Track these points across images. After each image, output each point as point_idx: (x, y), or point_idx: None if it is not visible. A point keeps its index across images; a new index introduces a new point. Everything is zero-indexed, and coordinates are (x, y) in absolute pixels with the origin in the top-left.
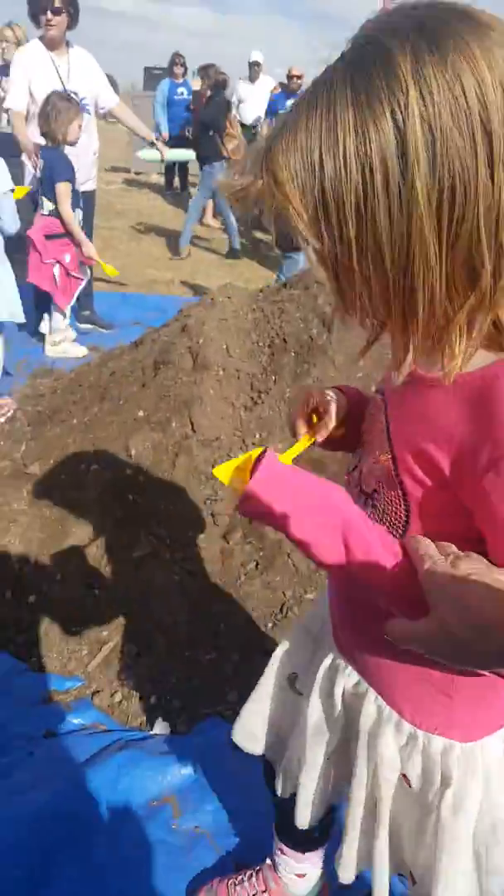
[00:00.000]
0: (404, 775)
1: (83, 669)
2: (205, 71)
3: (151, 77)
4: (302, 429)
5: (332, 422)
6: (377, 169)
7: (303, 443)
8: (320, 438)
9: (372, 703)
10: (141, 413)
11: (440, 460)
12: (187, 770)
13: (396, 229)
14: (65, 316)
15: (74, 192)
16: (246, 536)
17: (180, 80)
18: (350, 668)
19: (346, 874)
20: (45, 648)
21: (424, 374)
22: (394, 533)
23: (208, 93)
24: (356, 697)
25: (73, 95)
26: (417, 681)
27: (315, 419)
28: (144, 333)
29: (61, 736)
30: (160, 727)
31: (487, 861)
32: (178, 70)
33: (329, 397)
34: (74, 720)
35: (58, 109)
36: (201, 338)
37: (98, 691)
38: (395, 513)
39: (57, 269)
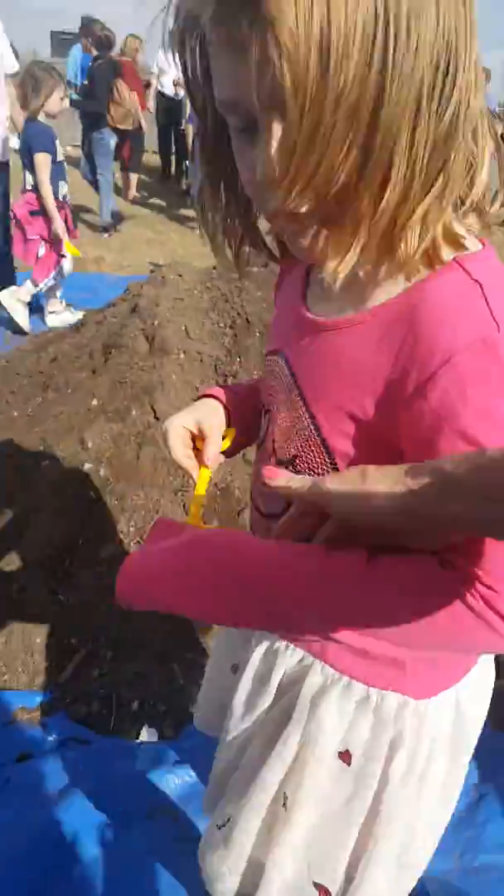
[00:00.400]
0: (342, 753)
1: (54, 682)
2: (87, 29)
3: (60, 43)
4: (192, 465)
5: (217, 444)
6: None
7: (203, 480)
8: (214, 465)
9: (318, 674)
10: (95, 402)
11: (364, 404)
12: (182, 777)
13: (401, 86)
14: (35, 289)
15: (58, 164)
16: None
17: None
18: (292, 647)
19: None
20: (7, 663)
21: (330, 320)
22: None
23: (93, 52)
24: (299, 675)
25: None
26: (369, 641)
27: (200, 445)
28: (85, 315)
29: (38, 756)
30: (147, 734)
31: (408, 848)
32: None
33: (203, 417)
34: (50, 737)
35: (36, 80)
36: (156, 319)
37: (73, 702)
38: (321, 475)
39: (43, 247)
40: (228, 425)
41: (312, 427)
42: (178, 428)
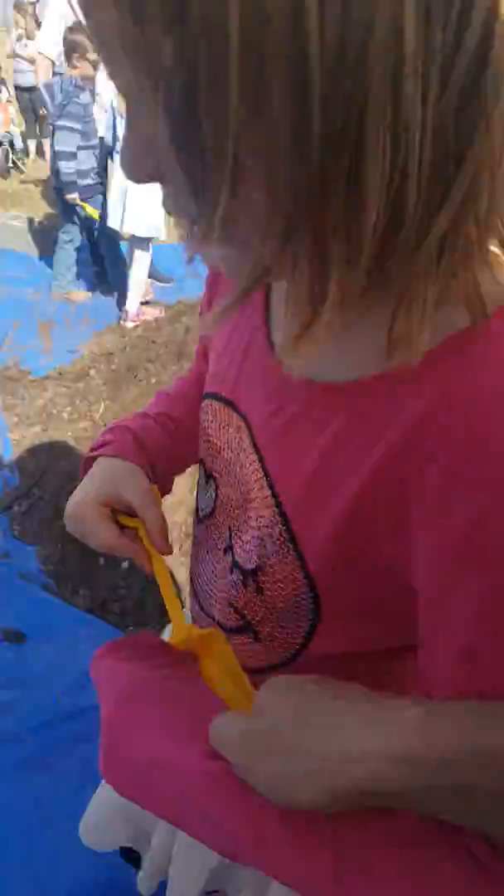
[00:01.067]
0: None
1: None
2: None
3: None
4: (136, 549)
5: (159, 520)
6: None
7: (163, 571)
8: (166, 549)
9: None
10: None
11: (364, 507)
12: None
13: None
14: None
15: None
16: None
17: None
18: None
19: None
20: (144, 619)
21: (324, 382)
22: (293, 636)
23: None
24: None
25: None
26: None
27: (125, 521)
28: None
29: None
30: None
31: None
32: None
33: (120, 486)
34: None
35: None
36: None
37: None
38: (296, 601)
39: None
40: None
41: (285, 535)
42: (97, 507)
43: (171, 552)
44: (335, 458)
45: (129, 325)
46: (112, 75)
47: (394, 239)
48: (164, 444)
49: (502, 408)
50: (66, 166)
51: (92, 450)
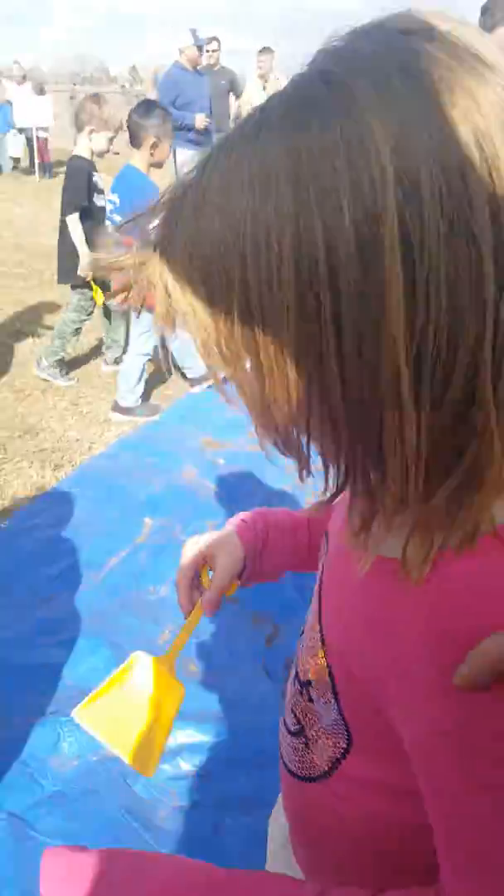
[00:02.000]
0: None
1: None
2: None
3: None
4: (187, 598)
5: (218, 589)
6: (321, 260)
7: (192, 621)
8: (209, 612)
9: None
10: None
11: (374, 667)
12: None
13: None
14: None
15: None
16: None
17: None
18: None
19: None
20: None
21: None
22: (333, 752)
23: None
24: None
25: None
26: None
27: (204, 579)
28: None
29: None
30: None
31: None
32: None
33: (219, 551)
34: None
35: None
36: None
37: None
38: (333, 721)
39: None
40: (240, 575)
41: (323, 659)
42: (202, 551)
43: (210, 614)
44: (354, 609)
45: None
46: None
47: (407, 499)
48: (278, 546)
49: (495, 613)
50: None
51: (238, 518)
